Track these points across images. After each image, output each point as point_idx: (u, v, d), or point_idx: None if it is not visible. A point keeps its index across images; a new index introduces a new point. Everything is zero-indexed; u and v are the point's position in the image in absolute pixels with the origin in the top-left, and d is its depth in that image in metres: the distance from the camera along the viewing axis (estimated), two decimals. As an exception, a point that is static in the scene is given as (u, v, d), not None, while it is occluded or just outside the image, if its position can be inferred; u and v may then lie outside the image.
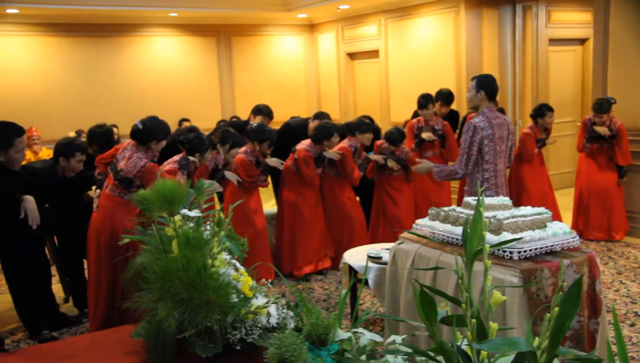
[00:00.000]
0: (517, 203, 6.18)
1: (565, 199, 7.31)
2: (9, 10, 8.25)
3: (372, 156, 5.71)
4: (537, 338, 1.46)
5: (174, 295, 2.52)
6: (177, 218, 2.89)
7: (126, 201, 3.98)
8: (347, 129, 5.77)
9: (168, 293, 2.55)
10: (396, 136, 5.67)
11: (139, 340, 2.69)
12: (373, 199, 5.97)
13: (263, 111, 6.32)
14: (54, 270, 5.11)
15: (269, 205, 6.19)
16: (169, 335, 2.51)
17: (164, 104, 9.68)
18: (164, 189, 2.61)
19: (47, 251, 4.87)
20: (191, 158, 4.47)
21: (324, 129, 5.46)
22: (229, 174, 5.08)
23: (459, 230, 2.96)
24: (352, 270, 3.89)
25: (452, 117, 6.69)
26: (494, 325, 1.53)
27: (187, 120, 9.43)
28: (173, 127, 7.25)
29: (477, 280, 2.78)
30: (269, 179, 5.68)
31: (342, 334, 2.51)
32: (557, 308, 1.37)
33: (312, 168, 5.47)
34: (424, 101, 6.13)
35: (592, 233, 6.42)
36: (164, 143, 4.16)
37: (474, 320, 1.47)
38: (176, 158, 4.85)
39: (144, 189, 3.81)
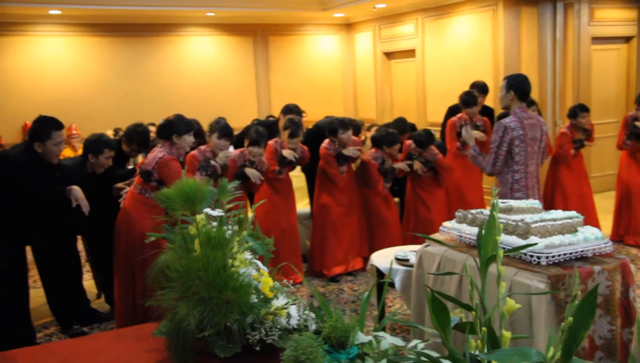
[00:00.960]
0: (552, 205, 6.02)
1: (608, 203, 7.08)
2: (52, 12, 8.45)
3: (397, 165, 5.61)
4: (551, 349, 1.40)
5: (194, 294, 2.52)
6: (201, 217, 2.90)
7: (147, 199, 3.99)
8: (374, 142, 5.69)
9: (189, 292, 2.56)
10: (424, 138, 5.59)
11: (161, 338, 2.70)
12: (405, 200, 5.91)
13: (293, 110, 6.30)
14: (89, 266, 5.21)
15: (303, 204, 6.18)
16: (189, 334, 2.51)
17: (200, 103, 9.78)
18: (185, 188, 2.61)
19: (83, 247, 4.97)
20: (212, 162, 4.48)
21: (330, 124, 5.45)
22: (249, 171, 5.05)
23: (485, 233, 2.89)
24: (380, 272, 3.84)
25: (487, 113, 6.50)
26: (507, 334, 1.48)
27: (223, 119, 9.48)
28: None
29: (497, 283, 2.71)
30: (289, 175, 5.64)
31: (363, 337, 2.47)
32: (570, 318, 1.31)
33: (332, 166, 5.43)
34: (471, 98, 5.95)
35: (633, 238, 6.19)
36: (187, 138, 4.12)
37: (484, 329, 1.42)
38: (238, 150, 4.92)
39: (161, 184, 3.88)
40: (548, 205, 5.96)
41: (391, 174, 5.59)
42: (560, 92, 8.37)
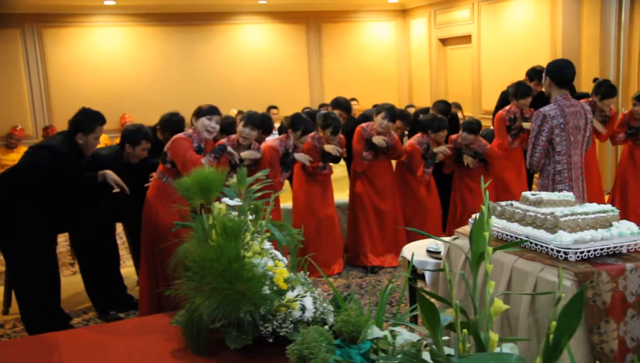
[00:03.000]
0: (620, 198, 5.69)
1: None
2: (107, 2, 8.65)
3: (437, 149, 5.45)
4: (538, 359, 1.29)
5: (208, 284, 2.51)
6: (221, 205, 2.87)
7: (165, 185, 3.97)
8: (419, 127, 5.54)
9: (203, 282, 2.54)
10: (475, 126, 5.40)
11: (179, 327, 2.70)
12: (451, 191, 5.73)
13: (342, 104, 6.19)
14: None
15: (345, 194, 6.09)
16: (203, 324, 2.50)
17: (253, 91, 9.84)
18: (199, 177, 2.59)
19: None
20: (229, 149, 4.40)
21: (375, 107, 5.37)
22: (299, 156, 5.01)
23: (514, 226, 2.75)
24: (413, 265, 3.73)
25: (542, 99, 6.14)
26: (494, 337, 1.38)
27: (274, 107, 9.51)
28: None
29: (522, 280, 2.57)
30: (332, 167, 5.57)
31: (377, 332, 2.40)
32: (554, 323, 1.20)
33: (360, 145, 5.34)
34: (525, 89, 5.62)
35: None
36: (204, 120, 3.99)
37: (464, 331, 1.32)
38: (276, 139, 4.88)
39: (174, 165, 3.88)
40: (617, 198, 5.62)
41: (431, 160, 5.44)
42: (624, 79, 7.93)
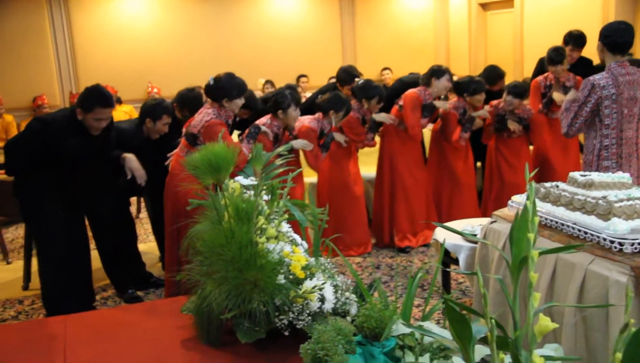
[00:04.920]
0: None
1: None
2: (135, -31, 8.45)
3: (477, 113, 5.12)
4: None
5: (217, 272, 2.31)
6: (237, 185, 2.66)
7: None
8: (455, 90, 5.23)
9: (213, 268, 2.34)
10: (521, 89, 5.06)
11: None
12: (485, 163, 5.41)
13: (353, 73, 5.76)
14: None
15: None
16: (214, 314, 2.30)
17: (283, 59, 9.55)
18: (209, 154, 2.37)
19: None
20: (263, 128, 4.22)
21: (433, 71, 5.02)
22: (337, 136, 4.82)
23: (559, 211, 2.46)
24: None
25: (583, 66, 5.78)
26: (538, 361, 1.12)
27: (304, 76, 9.24)
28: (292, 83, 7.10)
29: (568, 272, 2.28)
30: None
31: (403, 328, 2.16)
32: (619, 355, 0.93)
33: (417, 114, 5.01)
34: (558, 55, 5.28)
35: None
36: (239, 101, 3.91)
37: (501, 356, 1.07)
38: (313, 119, 4.67)
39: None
40: None
41: (469, 124, 5.10)
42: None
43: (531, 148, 5.44)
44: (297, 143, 4.42)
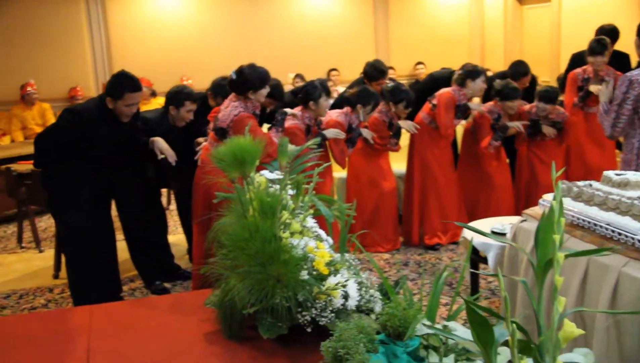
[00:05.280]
0: None
1: None
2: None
3: (512, 123, 4.97)
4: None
5: (240, 266, 2.29)
6: (262, 179, 2.63)
7: None
8: (492, 92, 5.09)
9: (236, 262, 2.33)
10: (552, 94, 4.92)
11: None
12: (516, 163, 5.29)
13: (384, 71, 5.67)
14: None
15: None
16: (236, 309, 2.29)
17: (314, 53, 9.49)
18: (234, 147, 2.34)
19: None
20: (288, 110, 4.18)
21: (468, 72, 4.91)
22: (365, 132, 4.76)
23: (592, 211, 2.38)
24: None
25: (619, 60, 5.53)
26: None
27: (335, 70, 9.18)
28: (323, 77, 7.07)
29: (600, 274, 2.20)
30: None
31: (427, 328, 2.12)
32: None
33: (450, 115, 4.91)
34: (599, 46, 5.05)
35: None
36: (264, 91, 3.86)
37: (524, 361, 1.02)
38: (341, 113, 4.63)
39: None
40: None
41: (501, 133, 4.97)
42: None
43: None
44: (330, 132, 4.39)
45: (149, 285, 4.29)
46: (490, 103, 5.06)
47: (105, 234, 3.94)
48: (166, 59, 8.90)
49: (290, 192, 2.47)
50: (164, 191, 6.34)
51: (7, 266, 4.98)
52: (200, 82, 8.82)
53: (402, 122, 4.90)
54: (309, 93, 4.26)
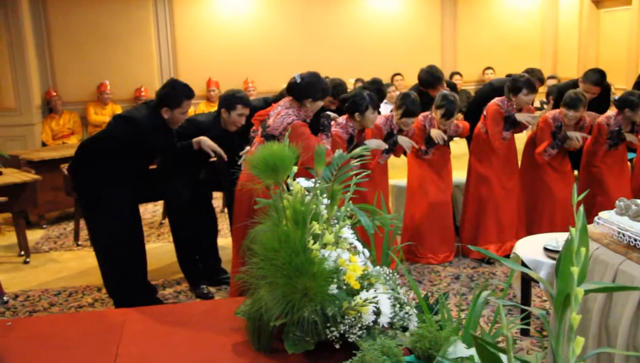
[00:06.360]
0: None
1: None
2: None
3: (573, 133, 4.62)
4: None
5: (268, 277, 2.22)
6: (298, 187, 2.55)
7: None
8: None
9: (265, 273, 2.26)
10: (637, 101, 4.59)
11: (245, 317, 2.45)
12: (580, 175, 4.98)
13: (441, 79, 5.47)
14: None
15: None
16: (265, 320, 2.22)
17: (380, 57, 9.34)
18: (267, 155, 2.27)
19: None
20: (332, 115, 4.06)
21: (514, 81, 4.67)
22: (402, 140, 4.53)
23: (652, 232, 2.18)
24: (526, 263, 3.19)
25: None
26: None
27: (399, 74, 9.00)
28: (386, 82, 6.92)
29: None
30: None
31: (462, 351, 1.99)
32: None
33: (498, 128, 4.69)
34: None
35: None
36: (320, 103, 3.75)
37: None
38: (382, 117, 4.50)
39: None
40: None
41: (560, 142, 4.67)
42: None
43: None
44: (372, 143, 4.24)
45: (194, 288, 4.26)
46: (556, 111, 4.79)
47: (137, 239, 3.96)
48: (230, 61, 8.97)
49: (325, 201, 2.39)
50: (219, 194, 6.34)
51: (62, 263, 5.08)
52: (264, 85, 8.86)
53: (432, 131, 4.68)
54: (356, 104, 4.14)
